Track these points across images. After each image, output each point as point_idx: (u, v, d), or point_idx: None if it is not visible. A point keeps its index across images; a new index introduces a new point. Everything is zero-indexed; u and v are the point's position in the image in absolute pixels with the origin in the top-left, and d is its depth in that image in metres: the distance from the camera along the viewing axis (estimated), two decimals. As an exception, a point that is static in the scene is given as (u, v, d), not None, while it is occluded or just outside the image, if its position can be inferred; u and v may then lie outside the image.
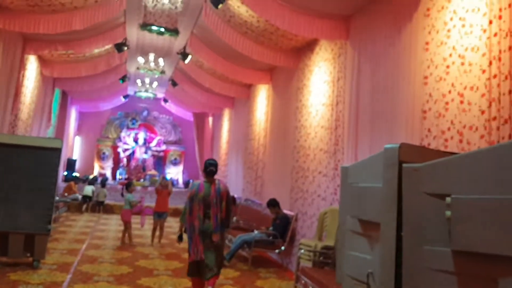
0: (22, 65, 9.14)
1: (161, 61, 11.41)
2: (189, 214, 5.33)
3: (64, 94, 15.10)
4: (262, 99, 10.81)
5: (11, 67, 8.73)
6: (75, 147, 17.98)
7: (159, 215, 9.35)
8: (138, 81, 13.88)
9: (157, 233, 9.35)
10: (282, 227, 7.85)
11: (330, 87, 7.07)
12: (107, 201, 15.63)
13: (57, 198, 12.10)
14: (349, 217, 2.96)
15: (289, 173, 8.47)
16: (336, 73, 6.90)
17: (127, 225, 9.17)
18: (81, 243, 8.77)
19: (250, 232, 9.23)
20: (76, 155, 17.98)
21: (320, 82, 7.50)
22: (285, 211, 8.11)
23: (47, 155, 6.62)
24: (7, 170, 6.43)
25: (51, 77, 12.03)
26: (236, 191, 12.18)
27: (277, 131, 9.56)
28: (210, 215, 5.27)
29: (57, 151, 6.69)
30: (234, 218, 9.77)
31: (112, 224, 12.36)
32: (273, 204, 8.02)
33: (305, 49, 8.31)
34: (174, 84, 13.63)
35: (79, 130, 18.30)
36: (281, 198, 8.25)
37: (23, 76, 9.41)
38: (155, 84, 14.09)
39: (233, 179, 13.08)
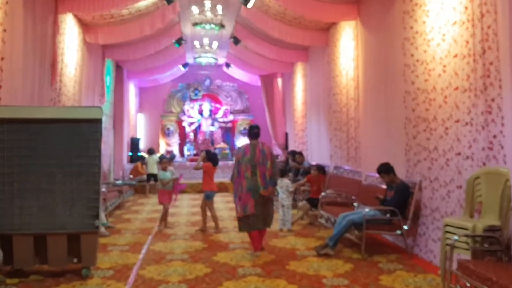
0: (56, 28, 7.62)
1: (219, 8, 9.50)
2: (237, 175, 6.02)
3: (119, 68, 13.75)
4: (348, 41, 8.61)
5: (41, 31, 7.23)
6: (138, 125, 16.80)
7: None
8: (196, 42, 12.12)
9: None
10: (401, 200, 5.80)
11: (466, -6, 4.80)
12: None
13: (119, 181, 10.83)
14: None
15: (401, 128, 6.34)
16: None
17: (164, 207, 7.81)
18: (147, 234, 7.27)
19: (346, 206, 7.35)
20: (140, 133, 16.82)
21: (445, -7, 5.23)
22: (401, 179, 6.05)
23: (85, 129, 4.99)
24: (36, 153, 4.88)
25: (98, 45, 10.56)
26: (322, 159, 10.22)
27: (374, 78, 7.38)
28: (257, 174, 5.89)
29: (97, 123, 5.03)
30: (327, 191, 7.84)
31: (184, 205, 10.91)
32: (386, 170, 5.96)
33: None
34: (236, 41, 11.73)
35: (140, 107, 17.07)
36: (392, 162, 6.15)
37: (59, 42, 7.90)
38: (215, 44, 12.26)
39: (315, 145, 11.08)
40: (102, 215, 7.66)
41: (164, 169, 7.88)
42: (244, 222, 5.93)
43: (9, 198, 4.84)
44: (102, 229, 7.21)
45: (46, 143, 4.93)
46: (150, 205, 10.98)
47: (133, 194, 12.23)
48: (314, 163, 10.51)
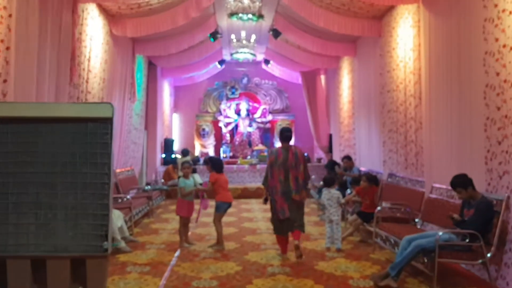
0: (76, 18, 6.82)
1: (257, -4, 8.50)
2: (270, 178, 5.99)
3: (152, 66, 12.99)
4: (407, 29, 7.41)
5: (60, 21, 6.45)
6: (173, 126, 16.05)
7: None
8: (233, 36, 11.16)
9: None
10: (483, 221, 4.60)
11: None
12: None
13: (148, 187, 10.01)
14: None
15: (480, 131, 5.13)
16: None
17: (181, 221, 6.72)
18: (173, 250, 6.36)
19: (406, 222, 6.22)
20: (175, 135, 16.06)
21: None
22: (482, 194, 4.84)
23: (93, 131, 4.09)
24: (34, 159, 4.02)
25: (127, 39, 9.79)
26: (373, 165, 9.05)
27: (443, 70, 6.15)
28: (290, 178, 5.87)
29: (107, 122, 4.11)
30: (382, 204, 6.68)
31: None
32: (463, 183, 4.76)
33: None
34: (276, 34, 10.67)
35: (175, 107, 16.31)
36: (468, 172, 4.94)
37: (79, 33, 7.12)
38: (253, 37, 11.26)
39: (365, 149, 9.89)
40: (125, 227, 6.82)
41: (186, 176, 6.82)
42: (279, 226, 6.04)
43: (3, 214, 4.00)
44: (123, 244, 6.35)
45: (47, 147, 4.06)
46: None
47: (165, 199, 11.39)
48: (363, 169, 9.33)
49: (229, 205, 6.63)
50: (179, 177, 11.39)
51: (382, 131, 8.57)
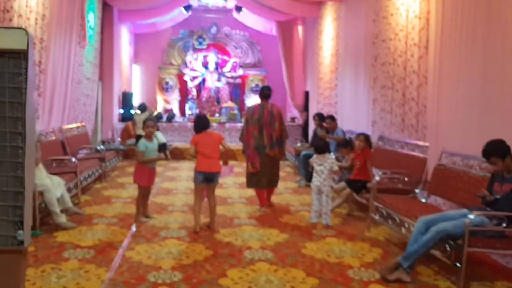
0: None
1: None
2: (246, 133, 6.26)
3: (107, 7, 11.31)
4: (412, -36, 6.20)
5: None
6: (133, 78, 14.45)
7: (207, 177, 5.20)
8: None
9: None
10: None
11: None
12: (175, 143, 12.21)
13: (101, 146, 8.65)
14: None
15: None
16: None
17: (140, 191, 5.46)
18: (127, 227, 5.16)
19: (406, 194, 5.26)
20: (135, 88, 14.49)
21: None
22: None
23: (-2, 69, 2.77)
24: None
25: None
26: (359, 127, 8.01)
27: (463, 9, 5.00)
28: (264, 134, 6.12)
29: (19, 57, 2.78)
30: (379, 173, 5.66)
31: (183, 177, 8.81)
32: (500, 151, 3.70)
33: None
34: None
35: (135, 57, 14.66)
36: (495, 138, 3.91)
37: None
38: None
39: (349, 108, 8.77)
40: (67, 196, 5.54)
41: (149, 137, 5.42)
42: (251, 179, 6.25)
43: None
44: (63, 219, 5.11)
45: None
46: (140, 176, 8.87)
47: (122, 160, 10.06)
48: (346, 130, 8.28)
49: (205, 175, 5.07)
50: (138, 137, 10.06)
51: (373, 87, 7.48)
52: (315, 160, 5.49)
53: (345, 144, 6.56)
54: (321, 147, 5.61)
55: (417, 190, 5.44)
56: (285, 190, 7.62)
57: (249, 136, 6.20)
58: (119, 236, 4.83)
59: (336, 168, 5.57)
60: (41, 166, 5.33)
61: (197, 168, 5.09)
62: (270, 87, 6.50)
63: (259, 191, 6.28)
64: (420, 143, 5.87)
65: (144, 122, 5.48)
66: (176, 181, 8.45)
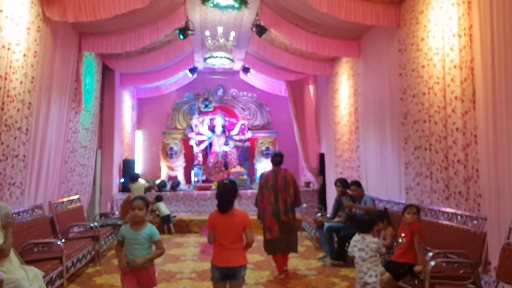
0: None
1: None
2: (260, 200, 6.29)
3: (108, 72, 10.75)
4: (446, 9, 5.47)
5: None
6: (136, 144, 13.68)
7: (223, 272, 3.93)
8: (207, 33, 9.04)
9: None
10: None
11: None
12: (180, 214, 11.21)
13: (94, 223, 7.62)
14: None
15: None
16: None
17: None
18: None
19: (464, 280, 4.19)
20: (138, 155, 13.67)
21: None
22: None
23: None
24: None
25: (71, 30, 7.57)
26: (388, 193, 7.05)
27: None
28: (279, 200, 6.16)
29: None
30: (429, 254, 4.58)
31: (188, 256, 7.71)
32: None
33: None
34: (260, 31, 8.59)
35: (139, 123, 13.97)
36: None
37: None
38: (232, 35, 9.18)
39: (375, 172, 7.78)
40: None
41: (135, 223, 3.82)
42: (269, 245, 6.21)
43: None
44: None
45: None
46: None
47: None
48: (376, 199, 7.26)
49: (224, 272, 3.81)
50: (116, 226, 8.36)
51: (404, 149, 6.56)
52: (354, 242, 4.41)
53: (381, 216, 5.52)
54: (366, 224, 4.54)
55: (481, 277, 4.37)
56: (308, 271, 6.50)
57: (265, 202, 6.24)
58: None
59: (384, 250, 4.48)
60: (12, 255, 4.32)
61: (213, 261, 3.88)
62: (282, 153, 6.57)
63: (276, 258, 6.24)
64: (474, 214, 4.85)
65: (133, 201, 3.93)
66: (181, 261, 7.35)
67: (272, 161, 6.47)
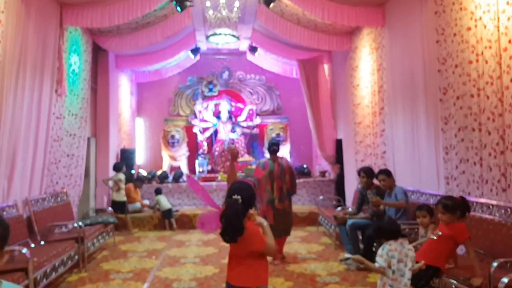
0: None
1: None
2: (258, 188, 6.24)
3: (102, 53, 9.76)
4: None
5: None
6: (136, 133, 12.69)
7: None
8: (208, 3, 7.91)
9: None
10: None
11: None
12: (184, 208, 10.26)
13: (79, 223, 6.60)
14: None
15: None
16: None
17: None
18: None
19: None
20: (139, 144, 12.69)
21: None
22: None
23: None
24: None
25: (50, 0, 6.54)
26: (421, 183, 5.97)
27: None
28: (274, 188, 6.30)
29: None
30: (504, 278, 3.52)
31: (189, 253, 6.74)
32: None
33: None
34: (269, 0, 7.52)
35: (139, 110, 12.97)
36: None
37: None
38: (236, 4, 8.05)
39: (405, 159, 6.67)
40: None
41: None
42: None
43: None
44: None
45: None
46: (137, 254, 6.78)
47: (113, 235, 7.97)
48: (407, 190, 6.15)
49: None
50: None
51: (444, 130, 5.45)
52: (391, 253, 3.32)
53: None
54: (393, 229, 3.47)
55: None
56: (330, 277, 5.47)
57: (262, 190, 6.32)
58: None
59: (415, 266, 3.40)
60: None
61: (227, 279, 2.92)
62: (278, 142, 6.96)
63: None
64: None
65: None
66: (180, 264, 6.36)
67: (269, 150, 6.59)
